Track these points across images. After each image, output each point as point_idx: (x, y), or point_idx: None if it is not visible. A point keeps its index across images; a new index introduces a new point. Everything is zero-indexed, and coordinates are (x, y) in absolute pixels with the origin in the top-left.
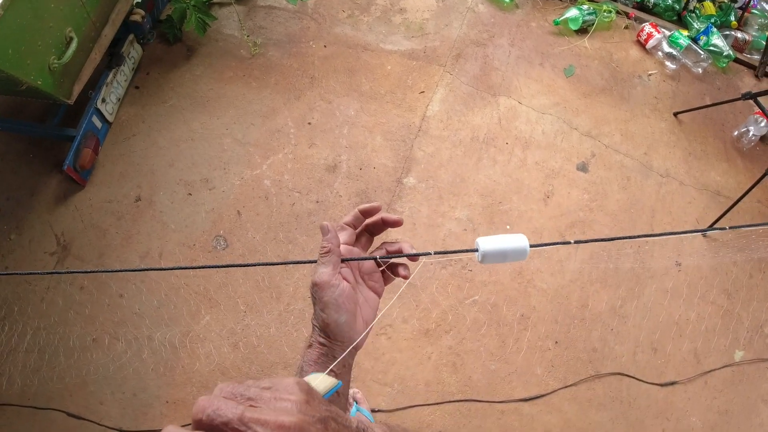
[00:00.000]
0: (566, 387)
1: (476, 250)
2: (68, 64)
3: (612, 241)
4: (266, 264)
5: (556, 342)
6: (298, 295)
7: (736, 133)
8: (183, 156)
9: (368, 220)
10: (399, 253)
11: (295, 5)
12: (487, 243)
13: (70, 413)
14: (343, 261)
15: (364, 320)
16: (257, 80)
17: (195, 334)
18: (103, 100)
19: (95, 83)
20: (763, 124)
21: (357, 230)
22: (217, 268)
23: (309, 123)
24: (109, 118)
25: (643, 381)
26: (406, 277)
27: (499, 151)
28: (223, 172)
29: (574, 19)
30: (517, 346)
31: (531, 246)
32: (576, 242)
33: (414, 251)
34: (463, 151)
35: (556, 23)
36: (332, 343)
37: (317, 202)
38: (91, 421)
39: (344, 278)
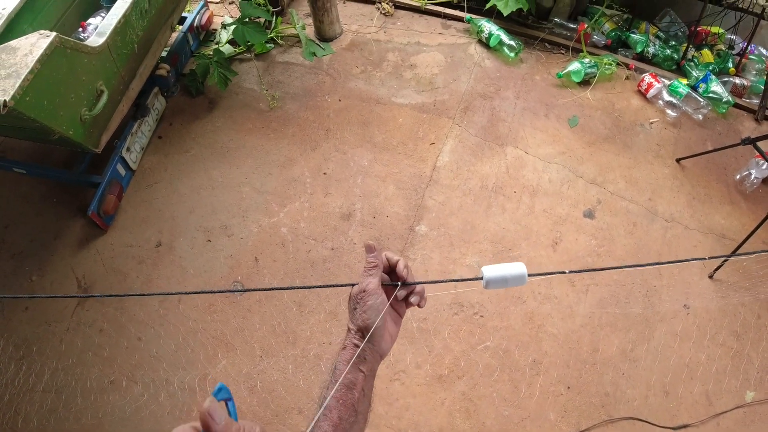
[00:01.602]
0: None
1: (481, 278)
2: (98, 116)
3: (622, 286)
4: (299, 288)
5: (569, 387)
6: (313, 339)
7: (738, 176)
8: (203, 203)
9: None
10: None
11: (312, 61)
12: (490, 271)
13: None
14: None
15: (391, 335)
16: (275, 132)
17: (212, 377)
18: (128, 149)
19: (121, 133)
20: (764, 166)
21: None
22: (235, 310)
23: (324, 173)
24: (133, 166)
25: (656, 425)
26: (418, 306)
27: (507, 199)
28: (241, 219)
29: (576, 72)
30: (529, 392)
31: (529, 275)
32: (570, 272)
33: (407, 272)
34: (472, 199)
35: (560, 76)
36: (367, 344)
37: (332, 249)
38: None
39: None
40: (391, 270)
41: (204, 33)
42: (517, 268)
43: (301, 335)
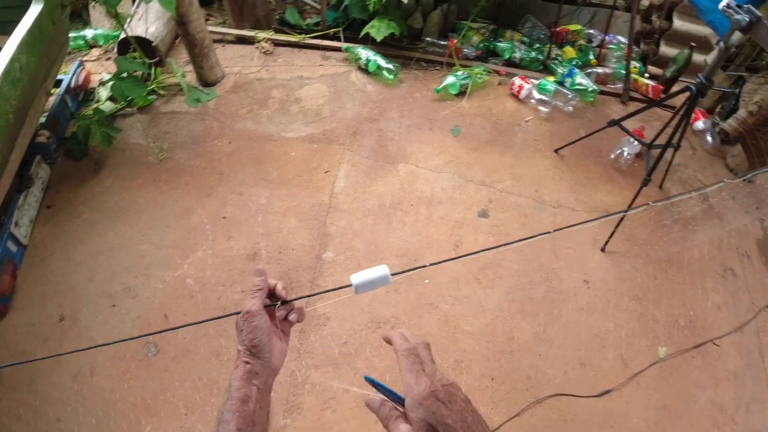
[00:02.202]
0: (510, 419)
1: (350, 285)
2: None
3: (525, 274)
4: (188, 325)
5: (492, 378)
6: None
7: (612, 156)
8: (102, 268)
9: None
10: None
11: (197, 108)
12: (357, 277)
13: None
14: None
15: (280, 351)
16: (167, 183)
17: None
18: (17, 224)
19: (6, 208)
20: (634, 142)
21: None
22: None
23: (224, 217)
24: (24, 241)
25: (579, 396)
26: (297, 321)
27: (405, 213)
28: (144, 278)
29: (452, 85)
30: None
31: (393, 274)
32: (431, 264)
33: (285, 293)
34: (373, 219)
35: (437, 91)
36: (256, 360)
37: (242, 292)
38: None
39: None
40: (272, 293)
41: (83, 93)
42: (380, 271)
43: (224, 384)
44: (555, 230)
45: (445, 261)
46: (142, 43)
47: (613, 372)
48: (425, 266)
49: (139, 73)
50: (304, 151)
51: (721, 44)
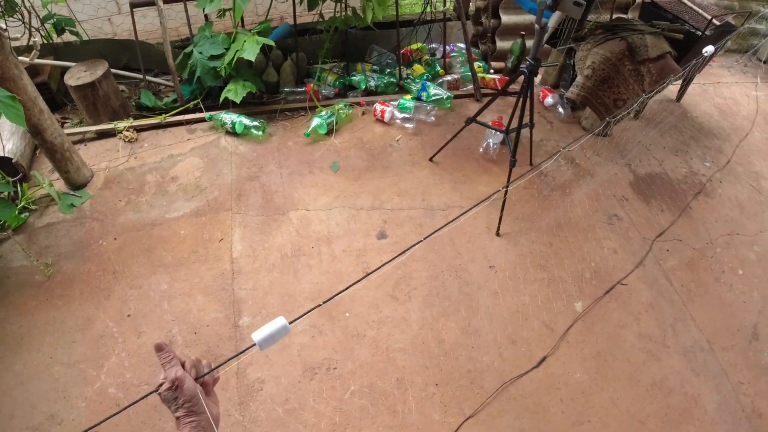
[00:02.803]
0: (467, 419)
1: (254, 344)
2: None
3: (435, 278)
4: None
5: (437, 384)
6: None
7: (481, 149)
8: (19, 403)
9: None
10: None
11: (72, 213)
12: (257, 335)
13: None
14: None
15: (213, 402)
16: (61, 298)
17: None
18: None
19: None
20: (496, 133)
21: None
22: None
23: (128, 315)
24: None
25: (521, 375)
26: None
27: (308, 257)
28: (64, 401)
29: (320, 126)
30: (407, 408)
31: (290, 322)
32: (325, 302)
33: (193, 371)
34: (279, 272)
35: (307, 135)
36: (200, 416)
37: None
38: None
39: None
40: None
41: None
42: (278, 322)
43: None
44: (434, 232)
45: (340, 292)
46: (2, 162)
47: (542, 340)
48: (320, 305)
49: (5, 193)
50: (192, 226)
51: (537, 26)
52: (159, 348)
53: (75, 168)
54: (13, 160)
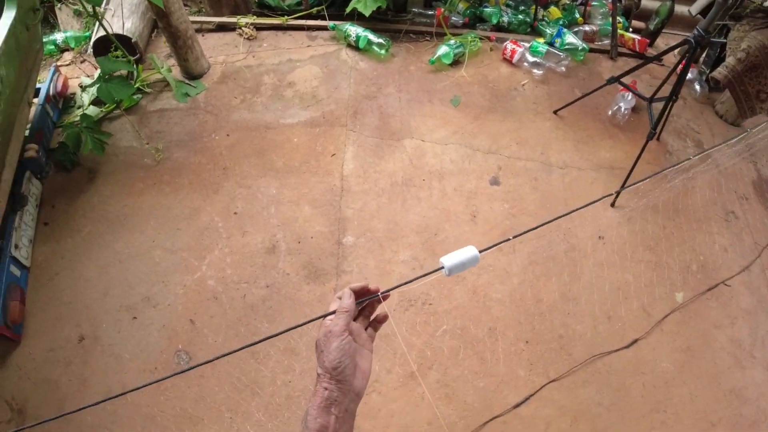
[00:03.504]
0: (551, 382)
1: (442, 268)
2: None
3: (542, 236)
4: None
5: (527, 341)
6: (277, 382)
7: (610, 112)
8: (116, 281)
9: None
10: (366, 294)
11: (186, 102)
12: (448, 260)
13: None
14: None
15: (363, 372)
16: (170, 185)
17: None
18: (16, 246)
19: (3, 231)
20: (630, 97)
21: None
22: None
23: (235, 213)
24: (27, 263)
25: (612, 351)
26: (384, 318)
27: (419, 188)
28: (163, 285)
29: (446, 55)
30: (495, 358)
31: (480, 251)
32: (514, 237)
33: (373, 287)
34: (388, 198)
35: (432, 62)
36: (336, 385)
37: (267, 286)
38: None
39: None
40: (361, 293)
41: (62, 100)
42: (470, 251)
43: (264, 382)
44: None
45: (527, 232)
46: (121, 41)
47: (637, 322)
48: (509, 239)
49: (124, 72)
50: (306, 136)
51: None
52: (347, 295)
53: (194, 57)
54: (132, 40)
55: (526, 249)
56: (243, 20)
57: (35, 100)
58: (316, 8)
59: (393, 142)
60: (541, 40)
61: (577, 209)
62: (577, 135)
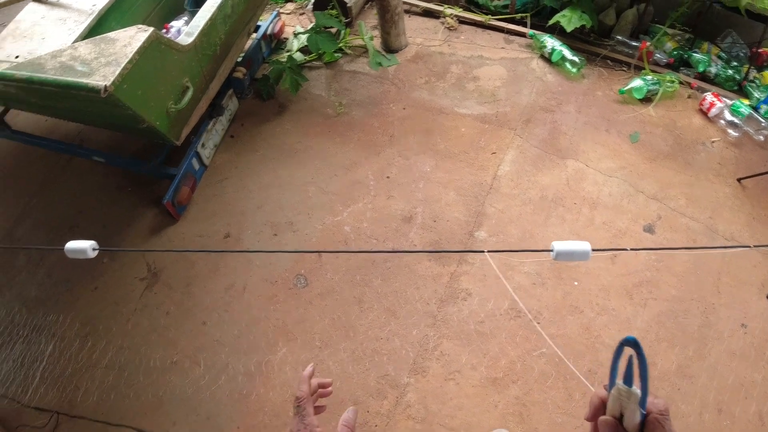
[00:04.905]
0: None
1: (551, 250)
2: (181, 110)
3: (681, 301)
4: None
5: None
6: (370, 335)
7: None
8: (270, 200)
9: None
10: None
11: (377, 71)
12: (559, 245)
13: (141, 431)
14: None
15: None
16: (341, 136)
17: (271, 364)
18: (203, 145)
19: (197, 130)
20: None
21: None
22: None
23: (387, 177)
24: (206, 162)
25: None
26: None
27: (567, 210)
28: (306, 216)
29: (638, 89)
30: (584, 401)
31: (593, 250)
32: (632, 249)
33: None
34: (532, 209)
35: (622, 92)
36: None
37: (393, 249)
38: None
39: None
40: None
41: (275, 41)
42: (583, 245)
43: (360, 329)
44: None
45: (652, 249)
46: (338, 2)
47: (747, 427)
48: (626, 249)
49: (333, 29)
50: (474, 129)
51: None
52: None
53: (396, 33)
54: (348, 5)
55: (658, 307)
56: (449, 11)
57: (254, 35)
58: (520, 14)
59: (556, 158)
60: (746, 102)
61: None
62: (756, 211)
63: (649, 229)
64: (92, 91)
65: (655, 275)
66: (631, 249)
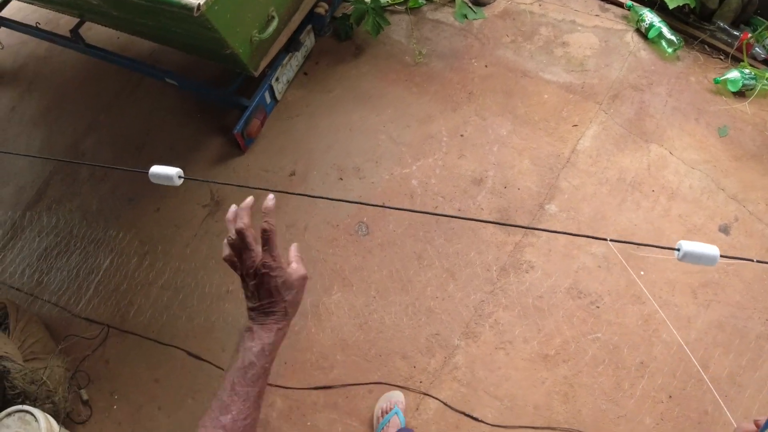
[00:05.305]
0: None
1: (677, 249)
2: (263, 41)
3: (744, 308)
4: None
5: (670, 396)
6: (427, 292)
7: None
8: (340, 143)
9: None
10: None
11: (462, 23)
12: (688, 246)
13: (191, 353)
14: None
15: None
16: (418, 86)
17: (325, 307)
18: (277, 79)
19: (272, 63)
20: None
21: None
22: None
23: (461, 135)
24: (278, 96)
25: None
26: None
27: (644, 196)
28: (374, 164)
29: (734, 81)
30: (631, 392)
31: (721, 256)
32: (757, 261)
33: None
34: (608, 189)
35: (717, 82)
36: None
37: (459, 210)
38: (211, 363)
39: None
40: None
41: None
42: (712, 249)
43: (417, 285)
44: None
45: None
46: None
47: None
48: (752, 260)
49: None
50: (557, 97)
51: None
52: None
53: None
54: None
55: (720, 311)
56: None
57: None
58: None
59: (640, 141)
60: None
61: None
62: None
63: (725, 230)
64: (185, 8)
65: (723, 278)
66: (757, 261)
